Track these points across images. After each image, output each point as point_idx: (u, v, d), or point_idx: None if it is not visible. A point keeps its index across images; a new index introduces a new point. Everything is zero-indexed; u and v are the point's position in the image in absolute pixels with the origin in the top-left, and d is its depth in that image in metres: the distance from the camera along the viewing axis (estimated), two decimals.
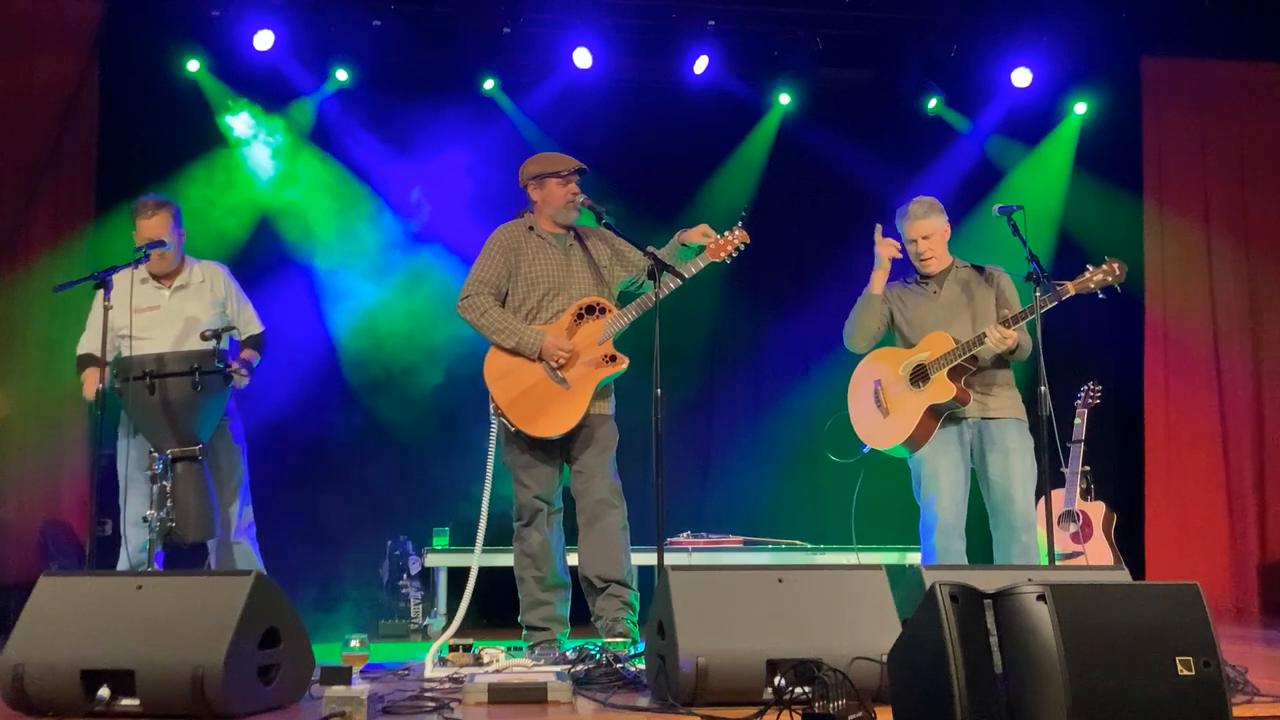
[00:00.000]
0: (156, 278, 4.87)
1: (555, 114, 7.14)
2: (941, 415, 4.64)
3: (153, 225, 4.81)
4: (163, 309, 4.83)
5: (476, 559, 4.42)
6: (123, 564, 4.65)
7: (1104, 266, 4.49)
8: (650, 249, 4.50)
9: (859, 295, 4.92)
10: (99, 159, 6.73)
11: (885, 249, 4.74)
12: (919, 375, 4.65)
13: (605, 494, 4.54)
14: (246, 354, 4.96)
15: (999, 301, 4.76)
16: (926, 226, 4.76)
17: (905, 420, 4.65)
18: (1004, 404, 4.69)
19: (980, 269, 4.82)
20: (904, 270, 4.93)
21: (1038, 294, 4.37)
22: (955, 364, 4.59)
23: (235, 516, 4.84)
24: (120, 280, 4.69)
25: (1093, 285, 4.48)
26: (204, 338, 4.50)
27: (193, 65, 6.86)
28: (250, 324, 5.07)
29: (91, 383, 4.68)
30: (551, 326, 4.55)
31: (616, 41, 7.16)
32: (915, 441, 4.66)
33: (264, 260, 6.86)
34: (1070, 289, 4.48)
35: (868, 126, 7.52)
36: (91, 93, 6.71)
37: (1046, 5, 7.23)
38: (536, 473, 4.55)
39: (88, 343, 4.88)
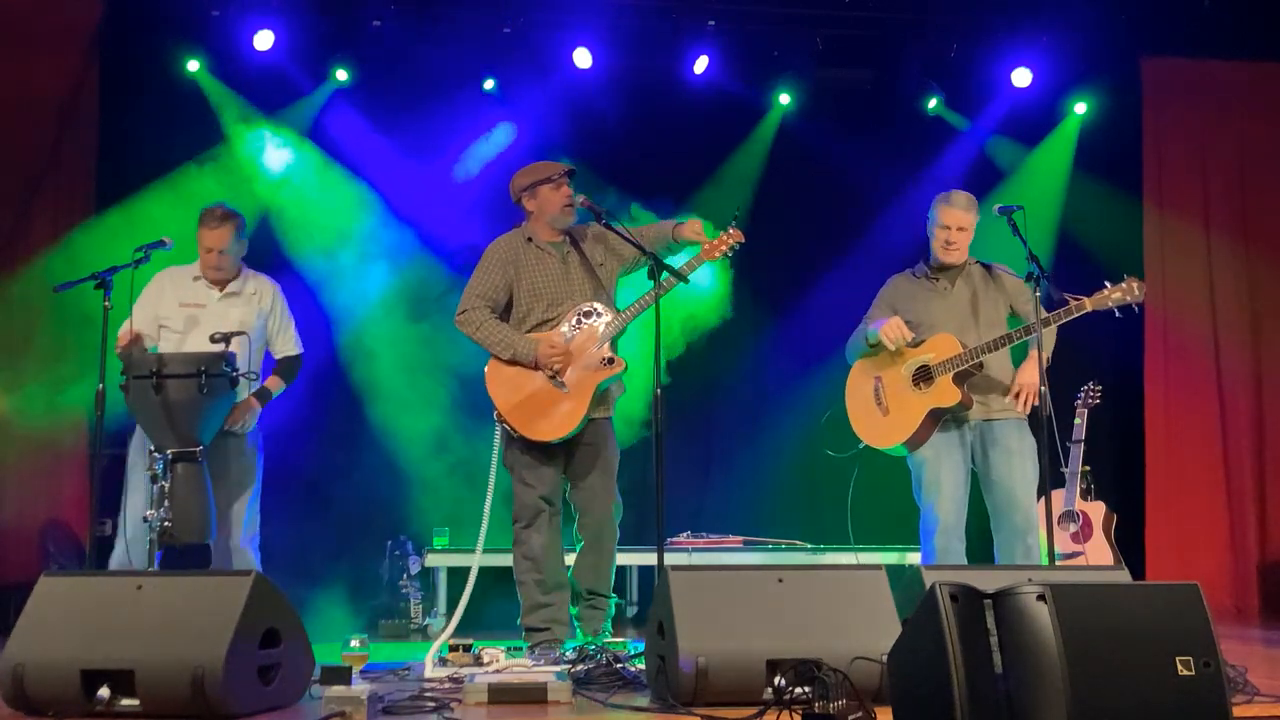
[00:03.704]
0: (210, 280, 4.94)
1: (555, 114, 7.14)
2: (942, 418, 4.63)
3: (216, 236, 4.88)
4: (208, 309, 4.88)
5: (476, 561, 4.46)
6: (117, 562, 4.67)
7: (1123, 285, 4.41)
8: (644, 245, 4.50)
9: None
10: (99, 159, 6.72)
11: (893, 334, 4.64)
12: (922, 376, 4.63)
13: (609, 515, 4.67)
14: (272, 381, 5.00)
15: (1010, 307, 4.73)
16: (964, 219, 4.71)
17: (906, 421, 4.63)
18: (1006, 404, 4.66)
19: (989, 269, 4.79)
20: (912, 261, 4.91)
21: (1037, 294, 4.36)
22: (962, 369, 4.57)
23: (243, 523, 4.84)
24: (175, 275, 4.88)
25: (1110, 303, 4.41)
26: (213, 340, 4.51)
27: (193, 65, 6.86)
28: (288, 345, 5.09)
29: (126, 334, 4.70)
30: (550, 333, 4.58)
31: (616, 41, 7.15)
32: (915, 442, 4.64)
33: (263, 261, 6.81)
34: (1087, 305, 4.41)
35: (868, 126, 7.51)
36: (91, 93, 6.70)
37: (1046, 5, 7.23)
38: (540, 473, 4.58)
39: (139, 318, 4.89)
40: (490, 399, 4.59)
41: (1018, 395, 4.58)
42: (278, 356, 5.07)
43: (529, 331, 4.61)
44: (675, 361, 6.74)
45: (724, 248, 4.56)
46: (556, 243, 4.70)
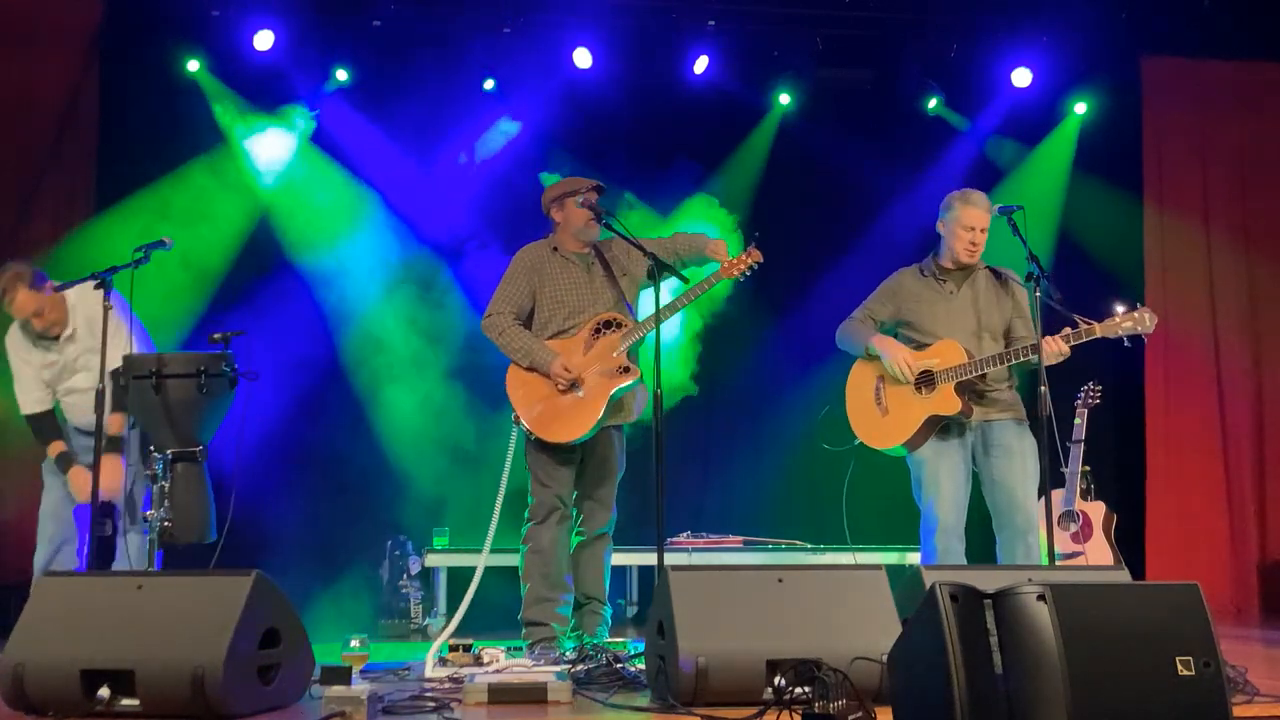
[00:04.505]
0: (44, 336, 4.75)
1: (555, 114, 7.14)
2: (940, 424, 4.61)
3: (18, 307, 4.65)
4: (63, 358, 4.75)
5: (484, 560, 4.53)
6: (39, 562, 4.69)
7: (1134, 314, 4.38)
8: (660, 253, 4.54)
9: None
10: (99, 159, 6.73)
11: (902, 371, 4.62)
12: (925, 380, 4.61)
13: (607, 526, 4.80)
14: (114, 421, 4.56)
15: (1016, 313, 4.72)
16: (986, 219, 4.65)
17: (905, 424, 4.62)
18: (1005, 406, 4.65)
19: (998, 274, 4.76)
20: (920, 255, 4.89)
21: (1037, 295, 4.35)
22: (964, 379, 4.55)
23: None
24: (17, 349, 4.71)
25: (1120, 331, 4.38)
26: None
27: (193, 65, 6.87)
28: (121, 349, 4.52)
29: (83, 482, 4.57)
30: (570, 341, 4.67)
31: (616, 41, 7.16)
32: (912, 445, 4.64)
33: (264, 260, 6.88)
34: (1097, 331, 4.38)
35: (868, 126, 7.52)
36: (91, 93, 6.71)
37: (1046, 5, 7.23)
38: (558, 474, 4.69)
39: (32, 398, 4.78)
40: (510, 401, 4.68)
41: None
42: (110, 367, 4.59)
43: (549, 339, 4.71)
44: (701, 354, 6.88)
45: (743, 266, 4.66)
46: (582, 254, 4.81)
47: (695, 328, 6.95)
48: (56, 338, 4.77)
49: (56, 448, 4.78)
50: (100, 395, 4.36)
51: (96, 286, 4.46)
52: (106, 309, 4.37)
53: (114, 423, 4.60)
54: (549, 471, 4.67)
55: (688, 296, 4.61)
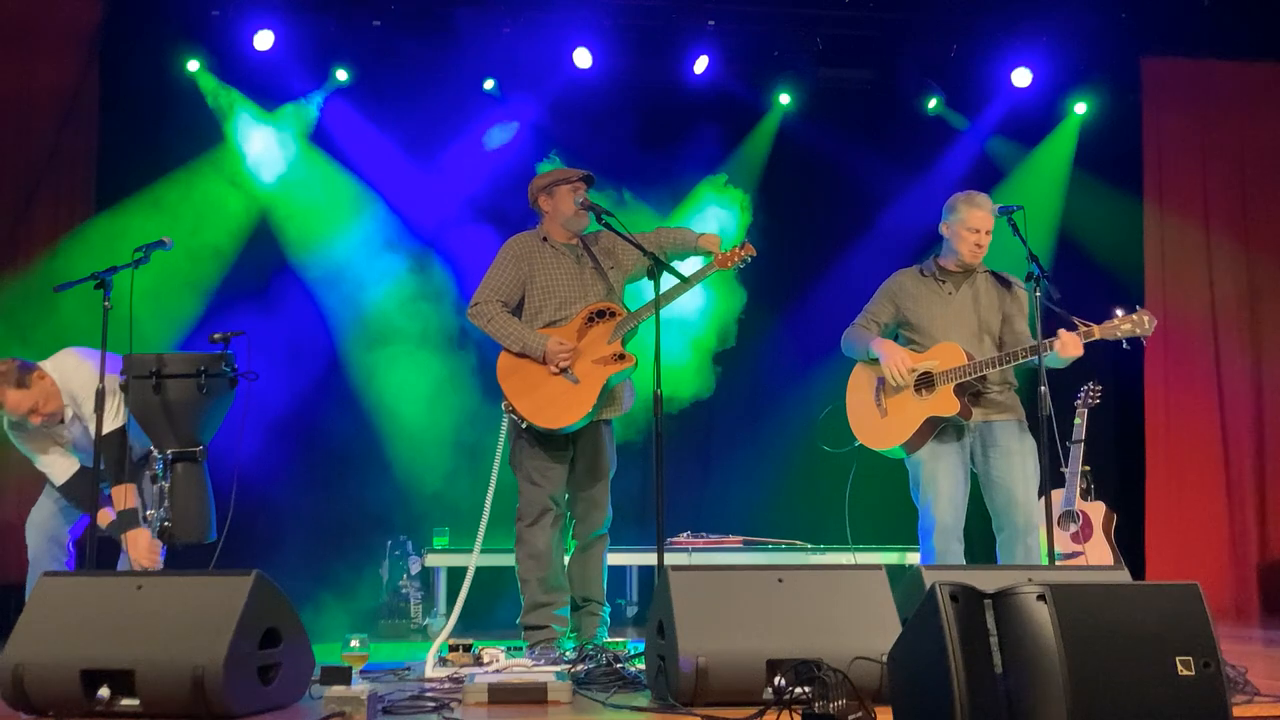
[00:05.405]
0: (47, 426, 4.58)
1: (555, 114, 7.14)
2: (939, 426, 4.61)
3: (10, 409, 4.43)
4: (69, 435, 4.63)
5: (475, 557, 4.48)
6: (32, 561, 4.65)
7: (1133, 316, 4.39)
8: (651, 251, 4.53)
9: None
10: (99, 159, 6.73)
11: (896, 372, 4.63)
12: (924, 382, 4.61)
13: (604, 526, 4.76)
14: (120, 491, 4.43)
15: (1016, 313, 4.71)
16: (990, 221, 4.65)
17: (903, 425, 4.62)
18: (1005, 406, 4.65)
19: (1003, 280, 4.75)
20: (921, 255, 4.88)
21: (1038, 294, 4.35)
22: (963, 381, 4.56)
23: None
24: (24, 436, 4.57)
25: (1119, 334, 4.40)
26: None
27: (193, 65, 6.87)
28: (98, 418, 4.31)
29: (146, 547, 4.38)
30: (562, 330, 4.64)
31: (616, 41, 7.16)
32: (911, 445, 4.64)
33: (263, 260, 6.88)
34: (1096, 333, 4.40)
35: (868, 126, 7.52)
36: (91, 93, 6.71)
37: (1046, 5, 7.23)
38: (551, 473, 4.64)
39: (60, 468, 4.63)
40: (500, 389, 4.64)
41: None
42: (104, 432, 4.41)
43: (541, 329, 4.67)
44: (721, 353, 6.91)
45: (735, 259, 4.65)
46: (571, 245, 4.78)
47: (710, 344, 6.96)
48: (58, 422, 4.59)
49: (105, 517, 4.54)
50: (100, 395, 4.34)
51: (96, 287, 4.45)
52: (106, 309, 4.36)
53: (121, 495, 4.46)
54: (541, 470, 4.61)
55: (682, 289, 4.58)
